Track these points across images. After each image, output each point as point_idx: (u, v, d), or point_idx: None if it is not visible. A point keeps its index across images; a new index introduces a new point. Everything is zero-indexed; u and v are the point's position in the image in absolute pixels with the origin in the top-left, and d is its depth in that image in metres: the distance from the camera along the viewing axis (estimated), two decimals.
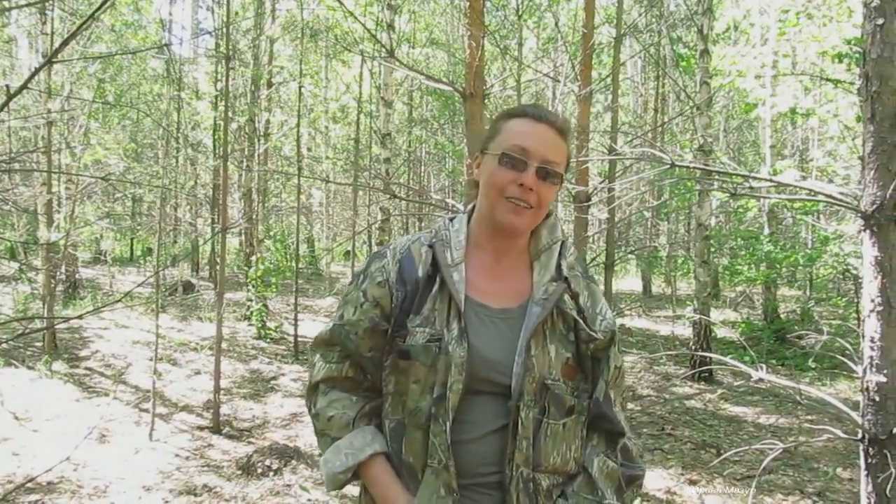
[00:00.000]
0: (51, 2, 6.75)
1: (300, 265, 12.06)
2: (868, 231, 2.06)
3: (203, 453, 4.79)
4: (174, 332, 8.53)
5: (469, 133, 4.00)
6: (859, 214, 2.09)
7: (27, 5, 3.51)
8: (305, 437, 5.13)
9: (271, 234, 13.47)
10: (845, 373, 6.91)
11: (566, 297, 1.31)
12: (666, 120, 13.68)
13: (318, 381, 1.38)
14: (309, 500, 4.01)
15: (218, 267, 7.08)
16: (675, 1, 13.31)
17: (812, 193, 2.53)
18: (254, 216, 9.89)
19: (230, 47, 8.32)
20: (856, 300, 8.15)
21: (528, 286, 1.33)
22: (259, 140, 10.24)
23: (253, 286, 8.83)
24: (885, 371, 2.03)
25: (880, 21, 2.00)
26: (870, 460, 2.08)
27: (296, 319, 8.23)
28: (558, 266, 1.35)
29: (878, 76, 2.01)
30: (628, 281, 18.26)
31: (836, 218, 9.94)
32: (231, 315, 9.65)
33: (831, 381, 7.28)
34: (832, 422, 5.54)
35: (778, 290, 10.89)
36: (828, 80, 7.75)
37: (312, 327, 9.18)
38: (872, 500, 2.07)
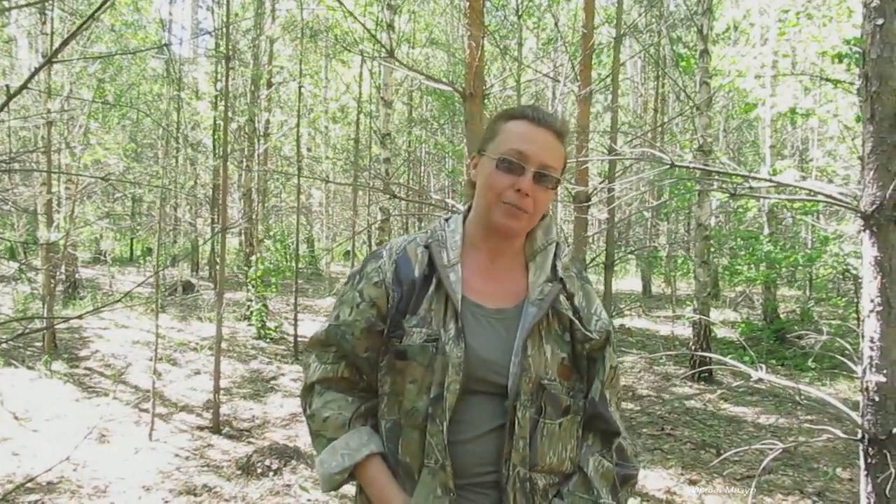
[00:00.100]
0: (51, 2, 6.75)
1: (300, 265, 12.06)
2: (868, 231, 2.07)
3: (203, 453, 4.79)
4: (174, 332, 8.53)
5: (469, 133, 4.00)
6: (859, 214, 2.09)
7: (27, 5, 3.51)
8: (305, 437, 5.12)
9: (271, 234, 13.46)
10: (845, 373, 6.91)
11: (562, 297, 1.32)
12: (666, 120, 13.69)
13: (314, 382, 1.38)
14: (309, 500, 4.02)
15: (218, 267, 7.08)
16: (674, 1, 13.32)
17: (812, 193, 2.53)
18: (253, 216, 9.89)
19: (230, 47, 8.32)
20: (855, 300, 8.16)
21: (524, 287, 1.34)
22: (259, 140, 10.24)
23: (253, 286, 8.83)
24: (884, 371, 2.03)
25: (880, 21, 2.00)
26: (869, 460, 2.08)
27: (295, 319, 8.23)
28: (553, 267, 1.35)
29: (877, 76, 2.01)
30: (628, 281, 18.26)
31: (835, 218, 9.94)
32: (231, 315, 9.65)
33: (831, 381, 7.28)
34: (832, 422, 5.54)
35: (778, 290, 10.89)
36: (827, 80, 7.75)
37: (312, 327, 9.17)
38: (872, 501, 2.07)
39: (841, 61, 6.90)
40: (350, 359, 1.36)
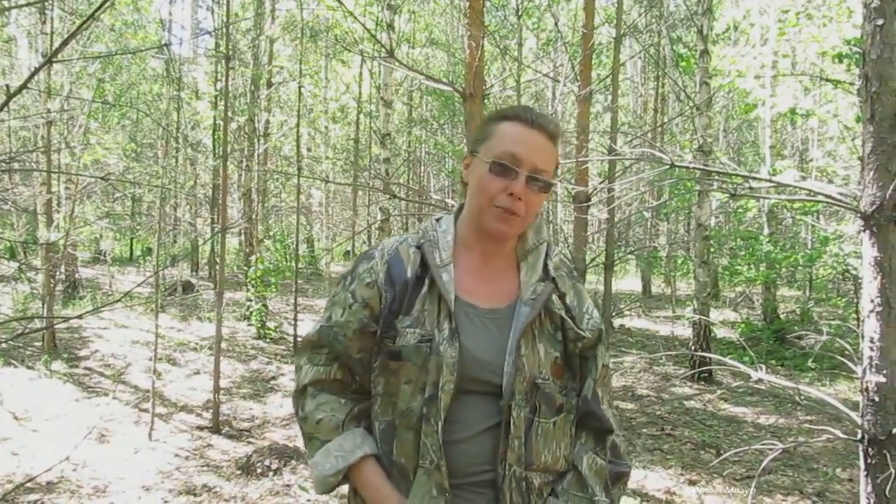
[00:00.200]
0: (50, 2, 6.75)
1: (300, 265, 12.06)
2: (867, 231, 2.07)
3: (202, 453, 4.79)
4: (174, 331, 8.53)
5: (469, 133, 4.00)
6: (859, 215, 2.09)
7: (27, 5, 3.51)
8: None
9: (271, 234, 13.47)
10: (845, 373, 6.91)
11: (554, 296, 1.33)
12: (666, 120, 13.69)
13: (306, 385, 1.37)
14: (308, 500, 4.01)
15: (217, 267, 7.08)
16: (674, 1, 13.32)
17: (812, 194, 2.53)
18: (253, 216, 9.89)
19: (230, 47, 8.32)
20: (855, 300, 8.15)
21: (516, 286, 1.34)
22: (259, 140, 10.23)
23: (252, 286, 8.83)
24: (884, 371, 2.03)
25: (880, 22, 2.00)
26: (869, 461, 2.08)
27: (295, 319, 8.23)
28: (545, 266, 1.36)
29: (877, 77, 2.01)
30: (628, 281, 18.27)
31: (835, 218, 9.95)
32: (231, 315, 9.65)
33: (831, 381, 7.28)
34: (831, 422, 5.54)
35: (777, 290, 10.89)
36: (827, 80, 7.75)
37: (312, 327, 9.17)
38: (872, 501, 2.07)
39: (841, 62, 6.90)
40: (343, 360, 1.36)
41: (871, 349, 2.06)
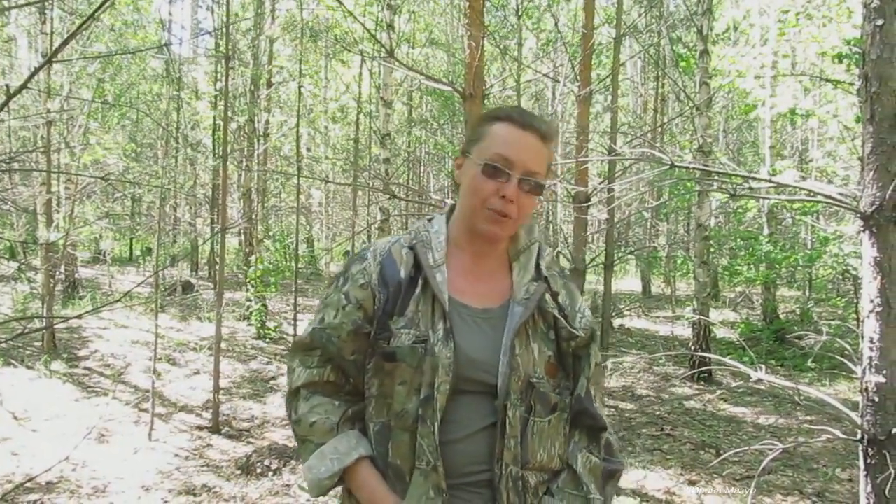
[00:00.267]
0: (50, 2, 6.75)
1: (299, 265, 12.06)
2: (867, 232, 2.07)
3: (202, 453, 4.79)
4: (173, 331, 8.53)
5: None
6: (859, 215, 2.09)
7: (27, 5, 3.51)
8: None
9: (271, 234, 13.47)
10: (844, 373, 6.91)
11: (547, 296, 1.33)
12: (665, 120, 13.69)
13: (299, 387, 1.36)
14: (308, 500, 4.01)
15: (217, 267, 7.08)
16: (674, 1, 13.33)
17: (811, 194, 2.53)
18: (253, 216, 9.89)
19: (230, 47, 8.32)
20: (855, 301, 8.16)
21: (508, 286, 1.35)
22: (258, 140, 10.23)
23: (252, 286, 8.83)
24: (884, 372, 2.04)
25: (880, 22, 2.00)
26: (869, 461, 2.08)
27: (295, 319, 8.24)
28: (537, 266, 1.37)
29: (877, 77, 2.01)
30: (628, 281, 18.27)
31: (835, 218, 9.95)
32: (230, 315, 9.65)
33: (830, 381, 7.28)
34: (831, 422, 5.54)
35: (777, 290, 10.89)
36: (827, 80, 7.76)
37: None
38: (871, 501, 2.07)
39: (841, 62, 6.90)
40: (336, 362, 1.35)
41: (871, 349, 2.06)
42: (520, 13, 7.98)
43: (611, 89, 7.44)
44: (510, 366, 1.25)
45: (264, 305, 8.78)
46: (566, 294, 1.37)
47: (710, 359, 6.96)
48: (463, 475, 1.25)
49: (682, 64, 10.11)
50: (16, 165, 5.33)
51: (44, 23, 7.69)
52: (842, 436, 2.33)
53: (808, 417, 5.99)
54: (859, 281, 4.21)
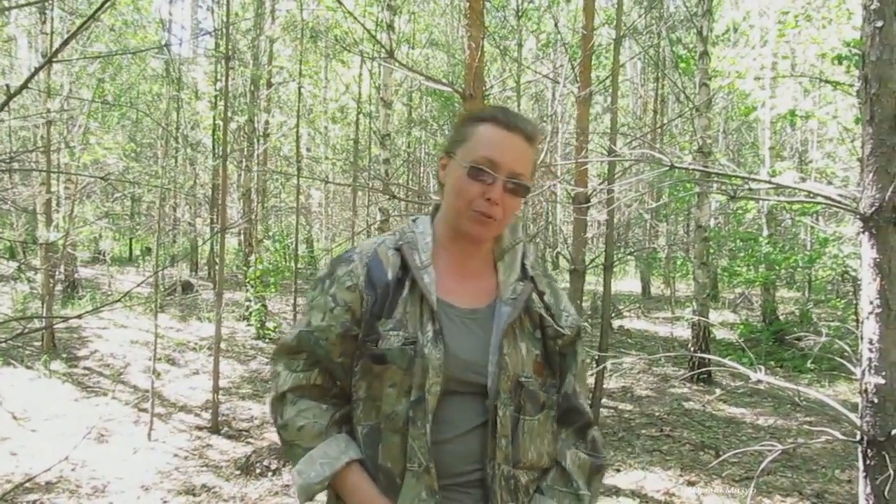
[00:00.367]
0: (51, 2, 6.75)
1: (299, 265, 12.06)
2: (867, 233, 2.07)
3: (202, 453, 4.79)
4: (173, 331, 8.52)
5: None
6: (858, 216, 2.10)
7: (27, 5, 3.51)
8: None
9: (270, 234, 13.46)
10: (844, 374, 6.92)
11: (534, 295, 1.34)
12: (665, 121, 13.70)
13: (286, 391, 1.34)
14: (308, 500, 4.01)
15: (217, 267, 7.08)
16: (674, 2, 13.34)
17: (811, 195, 2.54)
18: (253, 216, 9.88)
19: (230, 47, 8.32)
20: (854, 302, 8.16)
21: (494, 286, 1.35)
22: (258, 140, 10.23)
23: (252, 286, 8.83)
24: (883, 373, 2.04)
25: (879, 23, 2.01)
26: (868, 462, 2.08)
27: (295, 320, 8.23)
28: (522, 265, 1.37)
29: (877, 78, 2.01)
30: (627, 282, 18.27)
31: (835, 220, 9.95)
32: (230, 315, 9.65)
33: (830, 382, 7.28)
34: (830, 423, 5.54)
35: (777, 291, 10.90)
36: (827, 82, 7.76)
37: None
38: (871, 502, 2.07)
39: (840, 63, 6.90)
40: (323, 365, 1.34)
41: (871, 350, 2.06)
42: (520, 14, 8.00)
43: (610, 90, 7.44)
44: (499, 365, 1.25)
45: (264, 306, 8.78)
46: (551, 293, 1.38)
47: (709, 360, 6.96)
48: (454, 475, 1.25)
49: (682, 65, 10.12)
50: (16, 165, 5.33)
51: (44, 23, 7.69)
52: (841, 437, 2.34)
53: (808, 418, 5.99)
54: (859, 282, 4.21)
